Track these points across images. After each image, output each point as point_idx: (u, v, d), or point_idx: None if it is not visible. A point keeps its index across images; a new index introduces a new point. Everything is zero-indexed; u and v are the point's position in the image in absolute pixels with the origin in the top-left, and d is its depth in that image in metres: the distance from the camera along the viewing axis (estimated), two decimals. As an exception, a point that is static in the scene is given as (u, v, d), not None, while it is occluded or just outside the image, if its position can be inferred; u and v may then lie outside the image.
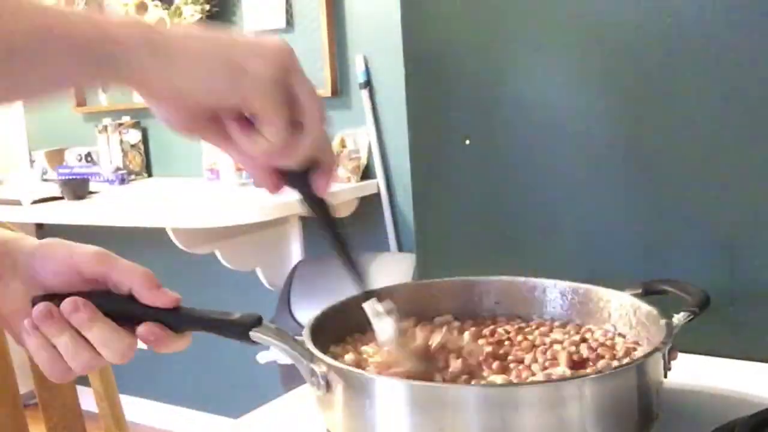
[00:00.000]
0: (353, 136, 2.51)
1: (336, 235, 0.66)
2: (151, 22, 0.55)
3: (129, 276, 0.61)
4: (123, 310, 0.61)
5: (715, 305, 0.97)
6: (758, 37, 0.91)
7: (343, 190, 2.41)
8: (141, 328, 0.60)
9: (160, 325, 0.61)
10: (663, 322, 0.69)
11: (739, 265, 0.96)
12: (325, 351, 0.69)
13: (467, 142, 1.12)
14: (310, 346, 0.67)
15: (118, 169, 2.94)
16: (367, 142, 2.50)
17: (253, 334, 0.64)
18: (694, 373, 0.67)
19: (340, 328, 0.78)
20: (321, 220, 0.65)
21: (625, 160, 1.03)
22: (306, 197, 0.63)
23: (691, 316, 0.69)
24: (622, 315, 0.77)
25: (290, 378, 2.23)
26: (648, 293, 0.75)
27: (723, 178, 0.96)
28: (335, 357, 0.70)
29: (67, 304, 0.59)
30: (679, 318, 0.69)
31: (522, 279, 0.85)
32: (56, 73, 0.53)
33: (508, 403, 0.59)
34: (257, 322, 0.65)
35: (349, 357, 0.73)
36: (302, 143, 0.58)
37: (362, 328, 0.75)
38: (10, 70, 0.50)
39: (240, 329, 0.64)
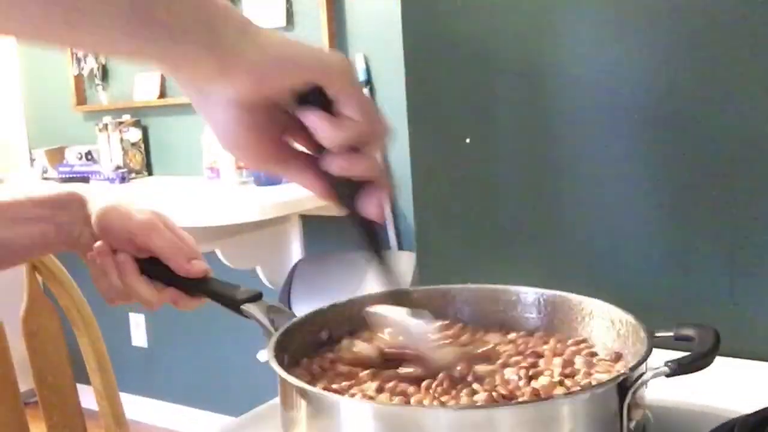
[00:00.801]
0: (353, 134, 2.51)
1: (378, 257, 0.64)
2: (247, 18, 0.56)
3: (167, 251, 0.77)
4: (157, 274, 0.78)
5: (715, 305, 0.97)
6: None
7: (343, 189, 2.40)
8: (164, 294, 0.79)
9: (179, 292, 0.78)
10: (643, 334, 0.65)
11: (739, 264, 0.96)
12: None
13: (467, 141, 1.12)
14: (273, 365, 0.64)
15: (118, 167, 2.95)
16: (368, 140, 2.50)
17: (245, 307, 0.73)
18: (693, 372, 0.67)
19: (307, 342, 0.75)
20: (364, 241, 0.63)
21: (628, 159, 1.03)
22: (352, 216, 0.61)
23: (667, 373, 0.62)
24: (604, 324, 0.74)
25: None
26: (678, 339, 0.70)
27: (724, 177, 0.96)
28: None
29: (121, 257, 0.77)
30: (659, 366, 0.62)
31: (501, 287, 0.81)
32: (176, 39, 0.52)
33: (480, 425, 0.57)
34: (254, 297, 0.73)
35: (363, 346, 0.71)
36: (368, 153, 0.58)
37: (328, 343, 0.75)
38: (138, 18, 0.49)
39: (236, 302, 0.73)
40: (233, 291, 0.76)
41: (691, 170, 0.99)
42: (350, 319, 0.77)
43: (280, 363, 0.64)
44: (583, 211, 1.07)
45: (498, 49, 1.11)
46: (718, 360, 0.79)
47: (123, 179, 2.89)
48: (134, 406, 3.10)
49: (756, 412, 0.64)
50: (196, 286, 0.77)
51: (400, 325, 0.69)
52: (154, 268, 0.78)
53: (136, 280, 0.78)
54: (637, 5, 0.99)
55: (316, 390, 0.62)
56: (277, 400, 0.83)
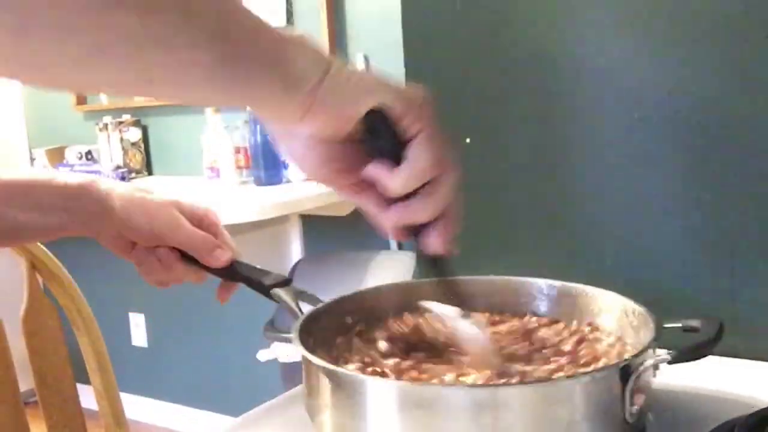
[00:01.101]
0: (353, 134, 2.51)
1: (445, 285, 0.66)
2: (325, 52, 0.55)
3: (190, 246, 0.79)
4: (192, 260, 0.79)
5: (716, 305, 0.97)
6: None
7: (343, 189, 2.40)
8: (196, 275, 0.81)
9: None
10: (652, 324, 0.67)
11: (739, 264, 0.96)
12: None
13: (467, 140, 1.12)
14: (298, 347, 0.66)
15: (118, 167, 2.95)
16: (368, 140, 2.50)
17: (274, 291, 0.75)
18: (693, 372, 0.67)
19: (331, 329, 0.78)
20: (431, 271, 0.64)
21: (629, 159, 1.03)
22: (420, 252, 0.62)
23: (669, 360, 0.64)
24: (613, 314, 0.76)
25: (291, 376, 2.23)
26: (686, 330, 0.72)
27: (725, 177, 0.96)
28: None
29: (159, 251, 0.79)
30: (660, 354, 0.64)
31: (513, 278, 0.85)
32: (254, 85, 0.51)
33: (496, 404, 0.58)
34: (284, 282, 0.76)
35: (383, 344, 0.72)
36: (434, 195, 0.58)
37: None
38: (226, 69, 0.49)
39: (266, 287, 0.76)
40: (262, 276, 0.78)
41: (696, 168, 0.99)
42: (373, 307, 0.81)
43: (305, 346, 0.66)
44: (584, 211, 1.07)
45: (498, 49, 1.11)
46: (719, 360, 0.79)
47: (123, 179, 2.89)
48: (134, 406, 3.10)
49: (756, 412, 0.64)
50: (226, 272, 0.80)
51: (449, 325, 0.71)
52: (188, 255, 0.80)
53: (182, 270, 0.79)
54: (642, 2, 0.99)
55: (340, 370, 0.64)
56: (277, 399, 0.83)
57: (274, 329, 2.21)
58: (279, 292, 0.76)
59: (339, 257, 2.41)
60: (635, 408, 0.62)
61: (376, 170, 0.57)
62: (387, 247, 2.52)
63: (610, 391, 0.61)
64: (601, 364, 0.68)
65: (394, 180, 0.57)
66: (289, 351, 2.17)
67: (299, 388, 0.88)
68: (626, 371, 0.61)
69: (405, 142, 0.57)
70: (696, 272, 0.99)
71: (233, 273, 0.80)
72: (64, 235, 0.80)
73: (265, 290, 0.77)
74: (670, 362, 0.63)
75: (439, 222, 0.60)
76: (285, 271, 2.47)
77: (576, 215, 1.08)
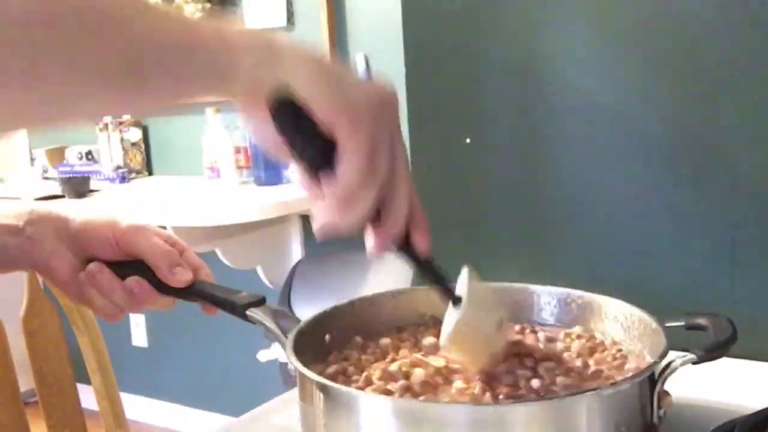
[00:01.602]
0: (354, 134, 2.51)
1: (444, 290, 0.64)
2: (269, 34, 0.52)
3: (152, 255, 0.73)
4: (150, 281, 0.73)
5: (716, 305, 0.97)
6: None
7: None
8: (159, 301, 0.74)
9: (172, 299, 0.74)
10: (662, 333, 0.66)
11: (739, 264, 0.96)
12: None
13: (467, 141, 1.12)
14: (292, 359, 0.64)
15: (118, 167, 2.94)
16: (368, 140, 2.50)
17: (250, 313, 0.70)
18: (693, 372, 0.67)
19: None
20: (429, 278, 0.63)
21: (629, 158, 1.03)
22: (411, 259, 0.61)
23: (694, 360, 0.64)
24: (619, 322, 0.75)
25: (291, 376, 2.23)
26: (689, 328, 0.71)
27: (725, 177, 0.96)
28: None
29: (92, 266, 0.73)
30: (686, 354, 0.64)
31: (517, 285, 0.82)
32: (177, 85, 0.50)
33: (498, 423, 0.57)
34: (258, 302, 0.71)
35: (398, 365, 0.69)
36: (397, 206, 0.55)
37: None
38: (133, 81, 0.47)
39: (240, 307, 0.71)
40: (234, 296, 0.73)
41: (690, 167, 0.99)
42: (355, 322, 0.78)
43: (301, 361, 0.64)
44: (584, 211, 1.07)
45: (498, 50, 1.11)
46: (719, 360, 0.79)
47: (123, 179, 2.89)
48: (134, 406, 3.10)
49: (756, 412, 0.64)
50: (194, 294, 0.74)
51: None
52: (150, 277, 0.74)
53: (118, 290, 0.73)
54: (634, 13, 0.99)
55: (335, 385, 0.62)
56: (277, 399, 0.83)
57: (274, 329, 2.21)
58: (255, 312, 0.71)
59: (339, 258, 2.40)
60: (662, 411, 0.61)
61: (305, 184, 0.54)
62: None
63: (639, 397, 0.61)
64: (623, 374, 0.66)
65: (326, 207, 0.53)
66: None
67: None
68: (653, 376, 0.61)
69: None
70: (696, 272, 0.99)
71: (202, 294, 0.74)
72: (16, 266, 0.76)
73: (239, 312, 0.72)
74: (695, 362, 0.63)
75: (412, 223, 0.57)
76: (285, 272, 2.47)
77: (566, 220, 1.08)
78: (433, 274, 0.63)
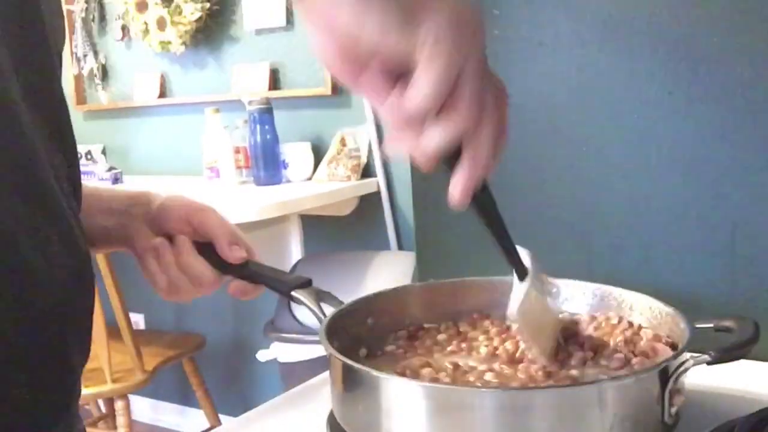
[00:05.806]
0: (353, 134, 2.51)
1: (513, 260, 0.66)
2: None
3: (215, 232, 0.81)
4: (210, 259, 0.80)
5: (716, 304, 0.97)
6: None
7: (342, 189, 2.41)
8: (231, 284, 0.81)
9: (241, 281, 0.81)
10: (685, 325, 0.67)
11: (739, 264, 0.96)
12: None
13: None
14: (326, 346, 0.67)
15: (111, 168, 2.93)
16: (368, 140, 2.50)
17: (295, 294, 0.76)
18: (693, 372, 0.67)
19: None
20: (501, 244, 0.64)
21: (629, 158, 1.03)
22: (485, 217, 0.60)
23: (708, 361, 0.64)
24: (644, 313, 0.77)
25: (291, 376, 2.23)
26: (718, 330, 0.72)
27: (725, 176, 0.96)
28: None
29: (157, 241, 0.79)
30: (700, 354, 0.64)
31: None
32: None
33: (525, 406, 0.58)
34: (304, 284, 0.77)
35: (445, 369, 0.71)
36: (479, 145, 0.50)
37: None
38: None
39: (287, 287, 0.78)
40: (283, 276, 0.81)
41: (690, 165, 0.99)
42: (394, 309, 0.83)
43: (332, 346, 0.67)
44: (584, 211, 1.07)
45: (498, 47, 1.11)
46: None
47: (116, 180, 2.86)
48: (134, 405, 3.10)
49: (756, 412, 0.64)
50: (248, 272, 0.81)
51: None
52: (210, 255, 0.81)
53: (193, 259, 0.79)
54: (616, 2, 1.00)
55: (364, 368, 0.64)
56: (277, 399, 0.83)
57: (274, 329, 2.21)
58: (300, 293, 0.77)
59: (339, 257, 2.41)
60: (674, 409, 0.61)
61: (376, 87, 0.49)
62: (387, 247, 2.52)
63: (650, 393, 0.61)
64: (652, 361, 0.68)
65: (393, 123, 0.48)
66: (289, 351, 2.17)
67: (299, 388, 0.88)
68: (665, 373, 0.61)
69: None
70: (695, 272, 0.99)
71: (250, 273, 0.81)
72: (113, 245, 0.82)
73: (285, 291, 0.78)
74: (709, 363, 0.63)
75: (464, 156, 0.52)
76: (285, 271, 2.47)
77: (566, 220, 1.08)
78: (507, 240, 0.63)
